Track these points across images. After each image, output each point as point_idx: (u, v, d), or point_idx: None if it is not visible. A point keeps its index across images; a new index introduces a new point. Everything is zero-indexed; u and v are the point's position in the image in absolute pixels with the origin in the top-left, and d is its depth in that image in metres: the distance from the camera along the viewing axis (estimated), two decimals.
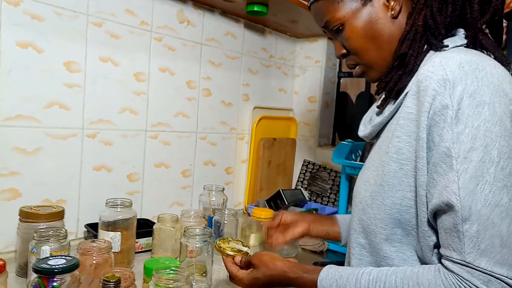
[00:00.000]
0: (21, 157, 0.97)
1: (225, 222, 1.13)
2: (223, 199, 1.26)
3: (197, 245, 0.87)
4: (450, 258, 0.52)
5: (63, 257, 0.66)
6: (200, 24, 1.37)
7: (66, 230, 0.83)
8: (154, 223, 1.06)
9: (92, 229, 1.05)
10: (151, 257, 1.03)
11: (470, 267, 0.50)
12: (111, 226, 0.95)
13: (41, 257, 0.74)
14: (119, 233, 0.94)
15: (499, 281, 0.48)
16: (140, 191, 1.25)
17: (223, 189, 1.28)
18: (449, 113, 0.52)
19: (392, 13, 0.64)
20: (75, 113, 1.06)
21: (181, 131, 1.35)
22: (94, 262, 0.76)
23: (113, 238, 0.93)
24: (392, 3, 0.64)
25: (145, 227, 1.11)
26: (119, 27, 1.14)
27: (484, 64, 0.53)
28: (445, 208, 0.52)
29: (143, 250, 1.07)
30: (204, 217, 1.15)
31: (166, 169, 1.32)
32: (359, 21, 0.65)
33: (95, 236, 0.98)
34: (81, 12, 1.05)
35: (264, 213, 1.16)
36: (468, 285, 0.50)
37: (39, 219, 0.88)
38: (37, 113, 0.99)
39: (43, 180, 1.02)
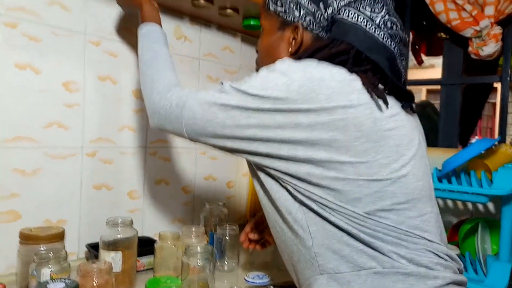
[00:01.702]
0: (20, 178, 0.97)
1: (227, 238, 1.12)
2: (225, 214, 1.25)
3: (198, 263, 0.86)
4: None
5: (63, 280, 0.65)
6: (197, 40, 1.38)
7: (66, 251, 0.82)
8: (155, 241, 1.05)
9: (93, 249, 1.04)
10: (153, 276, 1.02)
11: None
12: (112, 245, 0.94)
13: (41, 280, 0.73)
14: (120, 252, 0.93)
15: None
16: (141, 209, 1.24)
17: (224, 204, 1.27)
18: None
19: (290, 50, 0.79)
20: (74, 132, 1.06)
21: (181, 147, 1.35)
22: (94, 284, 0.75)
23: (114, 258, 0.92)
24: (293, 42, 0.78)
25: (146, 245, 1.10)
26: (118, 46, 1.14)
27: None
28: None
29: (145, 268, 1.06)
30: (205, 234, 1.14)
31: (166, 186, 1.31)
32: (269, 38, 0.83)
33: (96, 256, 0.97)
34: (79, 31, 1.06)
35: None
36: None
37: (39, 241, 0.87)
38: (36, 134, 0.99)
39: (43, 201, 1.01)
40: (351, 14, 0.73)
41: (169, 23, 1.28)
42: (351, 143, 0.64)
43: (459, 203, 1.43)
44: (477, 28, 1.35)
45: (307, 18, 0.77)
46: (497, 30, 1.33)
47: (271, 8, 0.82)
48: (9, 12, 0.93)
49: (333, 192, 0.65)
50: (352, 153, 0.64)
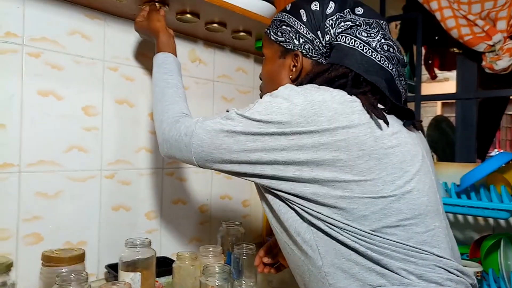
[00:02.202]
0: (43, 201, 1.00)
1: (244, 257, 1.12)
2: (241, 234, 1.26)
3: (216, 283, 0.86)
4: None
5: None
6: (212, 62, 1.41)
7: (87, 273, 0.83)
8: (173, 261, 1.06)
9: (113, 269, 1.05)
10: None
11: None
12: (131, 266, 0.96)
13: None
14: (139, 273, 0.94)
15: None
16: (159, 229, 1.26)
17: (241, 223, 1.28)
18: None
19: (291, 76, 0.83)
20: (93, 155, 1.10)
21: (197, 167, 1.36)
22: None
23: (133, 279, 0.93)
24: (293, 69, 0.82)
25: (164, 265, 1.11)
26: (134, 70, 1.18)
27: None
28: None
29: None
30: (223, 253, 1.14)
31: (183, 205, 1.33)
32: (271, 66, 0.87)
33: (116, 277, 0.99)
34: (98, 58, 1.10)
35: None
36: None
37: (61, 263, 0.89)
38: (57, 158, 1.02)
39: (64, 223, 1.04)
40: (348, 39, 0.75)
41: (184, 47, 1.31)
42: (354, 162, 0.65)
43: (480, 219, 1.40)
44: (490, 42, 1.35)
45: (306, 46, 0.80)
46: (511, 44, 1.33)
47: (272, 38, 0.86)
48: (33, 43, 0.98)
49: (339, 211, 0.66)
50: (356, 171, 0.65)
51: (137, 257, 0.96)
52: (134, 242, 0.98)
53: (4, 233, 0.94)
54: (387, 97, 0.72)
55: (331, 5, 0.79)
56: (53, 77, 1.01)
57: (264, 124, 0.69)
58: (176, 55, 1.00)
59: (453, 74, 1.70)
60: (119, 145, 1.15)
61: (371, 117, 0.68)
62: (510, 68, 1.35)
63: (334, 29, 0.77)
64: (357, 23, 0.76)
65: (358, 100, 0.69)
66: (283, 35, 0.83)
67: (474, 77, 1.55)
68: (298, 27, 0.81)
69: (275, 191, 0.72)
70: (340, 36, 0.76)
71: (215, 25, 1.19)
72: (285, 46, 0.83)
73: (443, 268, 0.66)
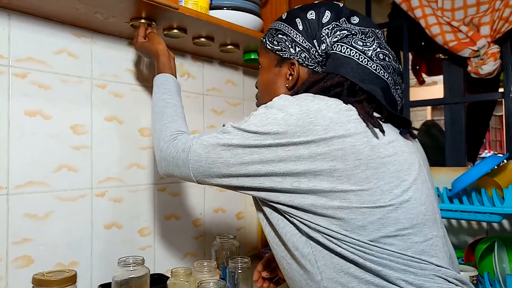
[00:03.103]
0: (33, 222, 0.98)
1: (240, 271, 1.11)
2: (236, 247, 1.25)
3: None
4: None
5: None
6: (200, 76, 1.41)
7: None
8: (168, 277, 1.05)
9: None
10: None
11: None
12: (124, 285, 0.94)
13: None
14: None
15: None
16: (152, 246, 1.25)
17: (235, 236, 1.27)
18: None
19: (287, 85, 0.83)
20: (83, 174, 1.08)
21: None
22: None
23: None
24: (290, 78, 0.82)
25: (159, 283, 1.09)
26: (122, 87, 1.18)
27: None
28: None
29: None
30: (218, 268, 1.13)
31: (176, 221, 1.32)
32: (267, 74, 0.87)
33: None
34: (85, 76, 1.10)
35: None
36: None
37: (52, 285, 0.87)
38: (46, 178, 1.01)
39: (55, 244, 1.02)
40: (344, 48, 0.76)
41: None
42: (351, 171, 0.65)
43: (473, 222, 1.41)
44: (475, 48, 1.37)
45: (302, 55, 0.80)
46: (495, 49, 1.35)
47: (269, 46, 0.86)
48: (19, 63, 0.97)
49: (338, 222, 0.66)
50: (354, 181, 0.65)
51: (131, 276, 0.95)
52: (127, 261, 0.97)
53: None
54: (383, 105, 0.73)
55: (327, 14, 0.79)
56: (40, 97, 1.01)
57: (261, 135, 0.68)
58: (176, 77, 1.00)
59: (441, 77, 1.72)
60: (110, 162, 1.14)
61: (367, 125, 0.68)
62: (495, 72, 1.37)
63: (330, 38, 0.78)
64: (353, 32, 0.77)
65: (354, 108, 0.69)
66: (279, 43, 0.83)
67: (461, 81, 1.57)
68: (294, 36, 0.81)
69: (273, 204, 0.72)
70: (336, 45, 0.77)
71: (203, 39, 1.20)
72: (281, 54, 0.83)
73: (442, 278, 0.66)
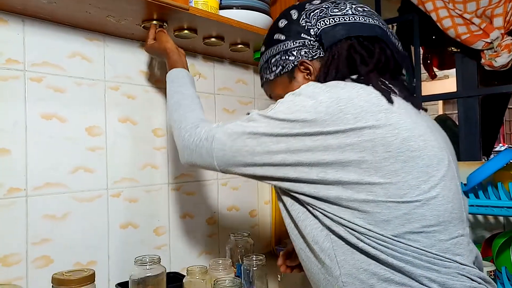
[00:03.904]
0: (51, 223, 1.00)
1: (254, 268, 1.11)
2: (250, 245, 1.25)
3: None
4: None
5: None
6: (211, 75, 1.42)
7: None
8: (183, 276, 1.06)
9: None
10: None
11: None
12: (141, 284, 0.96)
13: None
14: None
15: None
16: (168, 244, 1.26)
17: (249, 234, 1.28)
18: None
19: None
20: (99, 175, 1.10)
21: (203, 180, 1.37)
22: None
23: None
24: (308, 77, 0.81)
25: (175, 281, 1.10)
26: (135, 88, 1.19)
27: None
28: None
29: None
30: (233, 266, 1.14)
31: (191, 219, 1.33)
32: (288, 90, 0.80)
33: None
34: (99, 79, 1.11)
35: None
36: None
37: (71, 284, 0.88)
38: (64, 179, 1.03)
39: (73, 244, 1.04)
40: (327, 21, 0.78)
41: None
42: (380, 163, 0.64)
43: (490, 217, 1.39)
44: (488, 40, 1.35)
45: (302, 52, 0.81)
46: (509, 40, 1.32)
47: (272, 77, 0.87)
48: (34, 68, 0.99)
49: (362, 215, 0.64)
50: (382, 173, 0.64)
51: (147, 274, 0.96)
52: (144, 260, 0.99)
53: (14, 258, 0.95)
54: (397, 79, 0.75)
55: (293, 12, 0.83)
56: (55, 100, 1.03)
57: (288, 123, 0.67)
58: (188, 70, 1.01)
59: (452, 71, 1.69)
60: (124, 163, 1.16)
61: (405, 100, 0.70)
62: (510, 64, 1.35)
63: (312, 22, 0.79)
64: (324, 6, 0.80)
65: (384, 98, 0.68)
66: (278, 65, 0.84)
67: (474, 74, 1.55)
68: (284, 47, 0.82)
69: (296, 195, 0.70)
70: (320, 23, 0.78)
71: (213, 39, 1.20)
72: (287, 70, 0.83)
73: (466, 276, 0.65)
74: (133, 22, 1.06)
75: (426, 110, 0.79)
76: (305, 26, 0.80)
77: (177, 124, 0.87)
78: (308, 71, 0.81)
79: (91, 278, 0.93)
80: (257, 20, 1.19)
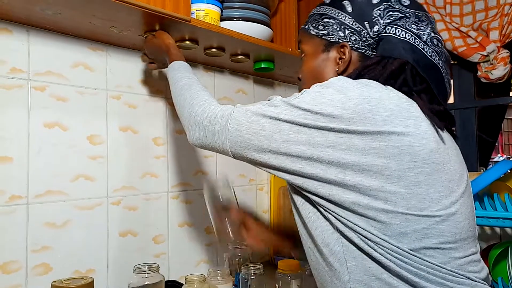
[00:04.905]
0: (51, 231, 1.01)
1: (253, 277, 1.12)
2: (248, 254, 1.26)
3: None
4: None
5: None
6: (212, 85, 1.44)
7: None
8: (182, 284, 1.06)
9: None
10: None
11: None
12: None
13: None
14: None
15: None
16: (166, 253, 1.26)
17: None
18: None
19: (337, 69, 0.77)
20: (99, 183, 1.11)
21: (202, 189, 1.38)
22: None
23: None
24: (340, 62, 0.77)
25: None
26: (136, 97, 1.21)
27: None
28: None
29: None
30: (231, 274, 1.14)
31: (189, 228, 1.33)
32: (313, 61, 0.81)
33: None
34: (101, 88, 1.13)
35: (291, 263, 1.15)
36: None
37: None
38: (65, 187, 1.04)
39: (72, 252, 1.05)
40: (398, 31, 0.71)
41: None
42: (404, 173, 0.60)
43: (486, 228, 1.40)
44: (484, 53, 1.37)
45: (353, 37, 0.75)
46: (505, 53, 1.35)
47: (313, 32, 0.80)
48: (38, 77, 1.01)
49: (378, 225, 0.61)
50: (404, 183, 0.60)
51: (146, 282, 0.97)
52: (142, 268, 0.99)
53: (14, 265, 0.95)
54: (435, 98, 0.69)
55: None
56: (58, 109, 1.04)
57: (312, 115, 0.63)
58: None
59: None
60: (124, 171, 1.17)
61: (433, 126, 0.64)
62: (506, 76, 1.37)
63: (383, 20, 0.72)
64: (406, 14, 0.72)
65: (415, 104, 0.65)
66: (326, 28, 0.78)
67: (471, 86, 1.58)
68: (343, 18, 0.76)
69: (309, 195, 0.67)
70: (390, 27, 0.72)
71: (214, 50, 1.22)
72: (329, 39, 0.77)
73: None
74: (136, 33, 1.08)
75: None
76: (374, 17, 0.73)
77: (188, 101, 0.82)
78: (344, 57, 0.76)
79: (90, 286, 0.93)
80: (258, 31, 1.21)
